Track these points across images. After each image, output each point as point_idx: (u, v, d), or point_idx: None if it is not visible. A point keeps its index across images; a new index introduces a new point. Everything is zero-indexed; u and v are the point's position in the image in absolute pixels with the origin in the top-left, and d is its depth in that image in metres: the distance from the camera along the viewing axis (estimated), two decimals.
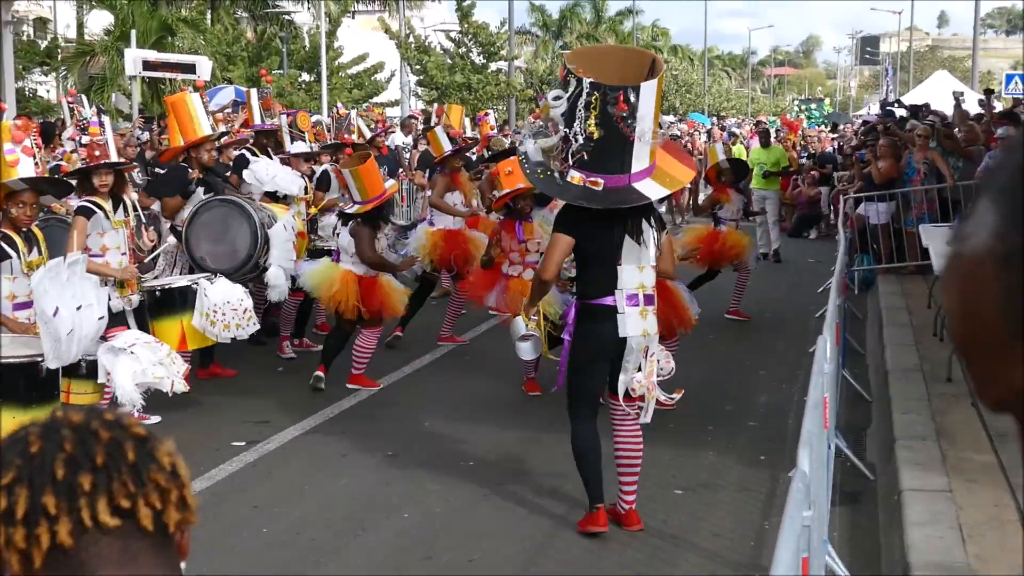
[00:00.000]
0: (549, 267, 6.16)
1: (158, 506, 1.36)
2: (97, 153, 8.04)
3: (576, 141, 5.96)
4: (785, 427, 8.21)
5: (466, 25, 33.71)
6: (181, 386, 6.66)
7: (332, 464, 7.67)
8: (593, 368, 6.26)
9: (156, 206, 9.98)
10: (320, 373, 9.44)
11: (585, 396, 6.32)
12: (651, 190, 6.17)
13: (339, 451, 7.94)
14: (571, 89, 5.92)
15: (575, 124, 5.94)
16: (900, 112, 20.83)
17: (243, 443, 8.01)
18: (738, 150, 23.72)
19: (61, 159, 10.19)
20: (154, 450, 1.40)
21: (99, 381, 6.56)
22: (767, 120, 30.45)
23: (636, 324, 6.17)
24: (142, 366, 6.50)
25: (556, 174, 6.08)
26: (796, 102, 71.90)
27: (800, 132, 27.57)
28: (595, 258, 6.16)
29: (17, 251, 6.57)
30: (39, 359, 5.93)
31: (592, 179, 5.98)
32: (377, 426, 8.54)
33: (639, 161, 6.06)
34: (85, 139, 8.26)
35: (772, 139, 20.40)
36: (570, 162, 6.00)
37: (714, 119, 46.53)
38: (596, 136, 5.94)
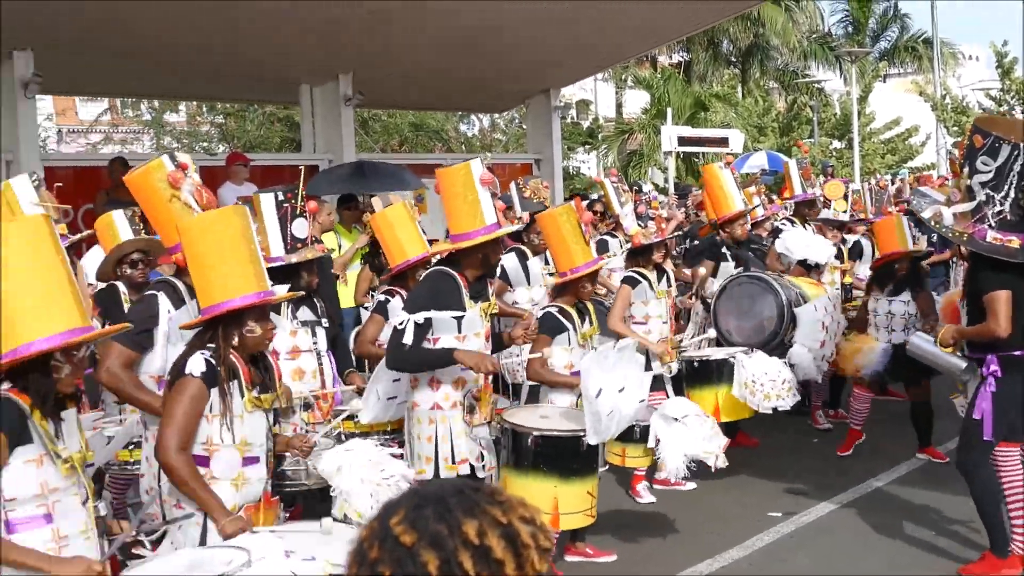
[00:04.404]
0: (1005, 323, 6.36)
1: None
2: (664, 226, 8.51)
3: (1003, 203, 6.34)
4: None
5: (1008, 82, 31.58)
6: (723, 461, 6.85)
7: (868, 540, 7.55)
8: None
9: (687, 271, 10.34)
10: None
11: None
12: None
13: (876, 526, 7.79)
14: (1004, 155, 6.25)
15: (1004, 187, 6.30)
16: None
17: (779, 513, 8.08)
18: None
19: (607, 234, 10.84)
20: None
21: (648, 446, 6.88)
22: None
23: None
24: (693, 438, 6.74)
25: (970, 235, 6.43)
26: None
27: None
28: (1019, 310, 6.39)
29: (573, 324, 7.06)
30: (581, 434, 6.33)
31: (1008, 238, 6.34)
32: (916, 503, 8.28)
33: None
34: (652, 213, 8.76)
35: None
36: (990, 223, 6.37)
37: None
38: None
